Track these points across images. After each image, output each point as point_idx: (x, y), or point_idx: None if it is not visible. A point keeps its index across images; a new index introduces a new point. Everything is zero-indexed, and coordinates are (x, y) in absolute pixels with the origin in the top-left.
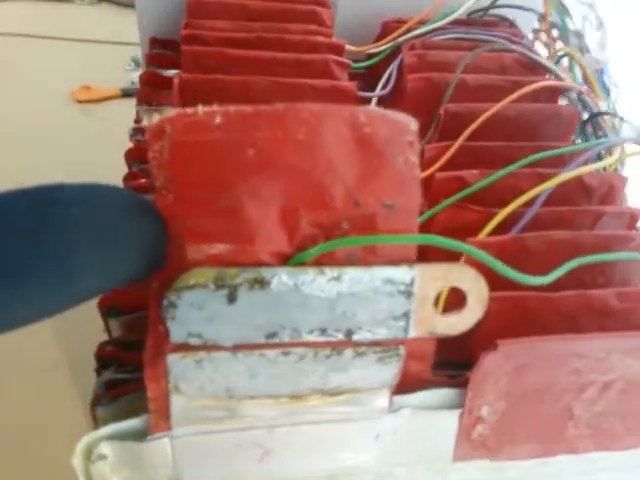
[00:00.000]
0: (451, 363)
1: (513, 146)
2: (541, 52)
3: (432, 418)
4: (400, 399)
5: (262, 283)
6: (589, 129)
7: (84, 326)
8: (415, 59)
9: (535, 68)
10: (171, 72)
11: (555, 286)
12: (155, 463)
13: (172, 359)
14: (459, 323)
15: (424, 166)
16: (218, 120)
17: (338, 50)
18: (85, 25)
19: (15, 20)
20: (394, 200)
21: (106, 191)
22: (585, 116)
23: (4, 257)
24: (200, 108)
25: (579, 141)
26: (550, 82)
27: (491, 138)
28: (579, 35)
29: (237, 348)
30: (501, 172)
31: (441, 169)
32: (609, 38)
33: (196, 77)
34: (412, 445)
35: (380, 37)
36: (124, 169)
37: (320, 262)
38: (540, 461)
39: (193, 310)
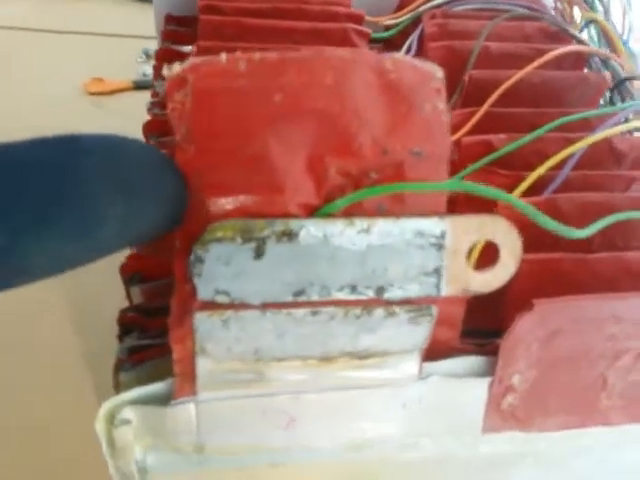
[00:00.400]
0: (479, 332)
1: (539, 112)
2: (564, 21)
3: (461, 387)
4: (428, 366)
5: (290, 235)
6: (617, 96)
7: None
8: (436, 28)
9: (559, 36)
10: (187, 48)
11: (588, 250)
12: (178, 429)
13: (199, 318)
14: (493, 279)
15: (450, 132)
16: (242, 67)
17: (358, 20)
18: (95, 18)
19: (26, 14)
20: (422, 147)
21: (125, 142)
22: (612, 83)
23: (25, 206)
24: (223, 55)
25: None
26: (575, 47)
27: (516, 105)
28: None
29: (265, 307)
30: (528, 137)
31: (468, 134)
32: (633, 4)
33: (214, 45)
34: (440, 415)
35: (400, 7)
36: None
37: (349, 213)
38: (571, 432)
39: (220, 265)
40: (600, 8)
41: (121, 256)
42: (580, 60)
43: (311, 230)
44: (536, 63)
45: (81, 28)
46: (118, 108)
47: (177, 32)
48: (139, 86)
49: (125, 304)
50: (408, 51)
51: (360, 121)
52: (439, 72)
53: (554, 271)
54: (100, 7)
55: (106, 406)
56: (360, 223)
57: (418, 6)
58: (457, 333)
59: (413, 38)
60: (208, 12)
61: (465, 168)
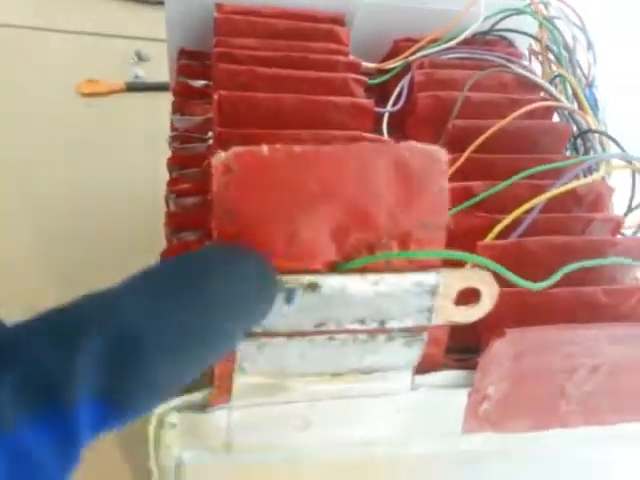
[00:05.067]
0: (459, 348)
1: (513, 158)
2: (537, 69)
3: (445, 395)
4: (419, 379)
5: (314, 287)
6: (579, 142)
7: None
8: (424, 77)
9: (531, 86)
10: (199, 82)
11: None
12: (212, 431)
13: (240, 344)
14: (473, 314)
15: None
16: (282, 158)
17: (355, 68)
18: (85, 18)
19: (19, 11)
20: (429, 220)
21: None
22: (576, 133)
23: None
24: (264, 148)
25: (570, 153)
26: (546, 102)
27: (494, 150)
28: (570, 51)
29: (291, 335)
30: (502, 184)
31: (451, 179)
32: (597, 57)
33: (232, 94)
34: (427, 419)
35: (391, 54)
36: (130, 162)
37: (363, 268)
38: (537, 433)
39: None
40: (566, 59)
41: None
42: (550, 110)
43: (332, 283)
44: (512, 115)
45: (70, 27)
46: (111, 110)
47: (190, 66)
48: (131, 88)
49: None
50: (398, 97)
51: (379, 201)
52: (443, 154)
53: (523, 302)
54: (92, 6)
55: (157, 412)
56: (372, 278)
57: (408, 55)
58: (442, 350)
59: (404, 84)
60: (223, 60)
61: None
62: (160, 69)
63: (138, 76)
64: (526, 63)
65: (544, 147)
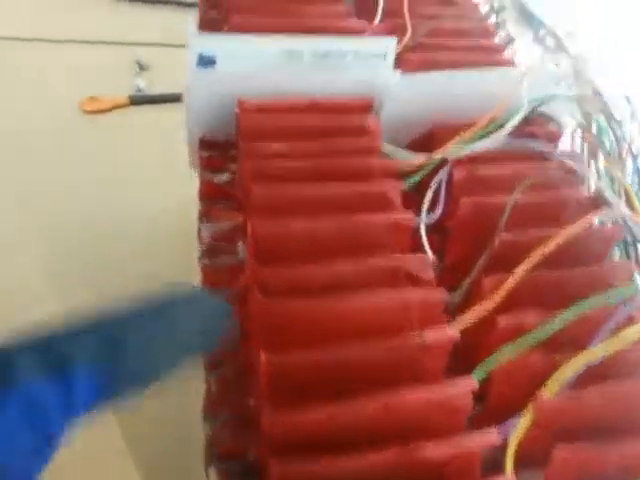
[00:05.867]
0: None
1: (565, 277)
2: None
3: None
4: None
5: None
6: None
7: None
8: (464, 175)
9: (579, 179)
10: (222, 177)
11: None
12: None
13: None
14: None
15: (484, 298)
16: None
17: (391, 171)
18: (79, 24)
19: (12, 22)
20: None
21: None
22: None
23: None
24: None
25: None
26: (599, 212)
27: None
28: (617, 139)
29: None
30: (559, 319)
31: (499, 306)
32: None
33: (266, 229)
34: None
35: (428, 142)
36: (134, 180)
37: None
38: None
39: None
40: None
41: None
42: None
43: None
44: (567, 232)
45: (66, 36)
46: (115, 126)
47: (213, 159)
48: (135, 102)
49: None
50: (436, 195)
51: None
52: None
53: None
54: (82, 10)
55: None
56: None
57: (449, 148)
58: None
59: (441, 180)
60: (255, 177)
61: (498, 347)
62: (161, 77)
63: (140, 89)
64: (574, 153)
65: (588, 253)
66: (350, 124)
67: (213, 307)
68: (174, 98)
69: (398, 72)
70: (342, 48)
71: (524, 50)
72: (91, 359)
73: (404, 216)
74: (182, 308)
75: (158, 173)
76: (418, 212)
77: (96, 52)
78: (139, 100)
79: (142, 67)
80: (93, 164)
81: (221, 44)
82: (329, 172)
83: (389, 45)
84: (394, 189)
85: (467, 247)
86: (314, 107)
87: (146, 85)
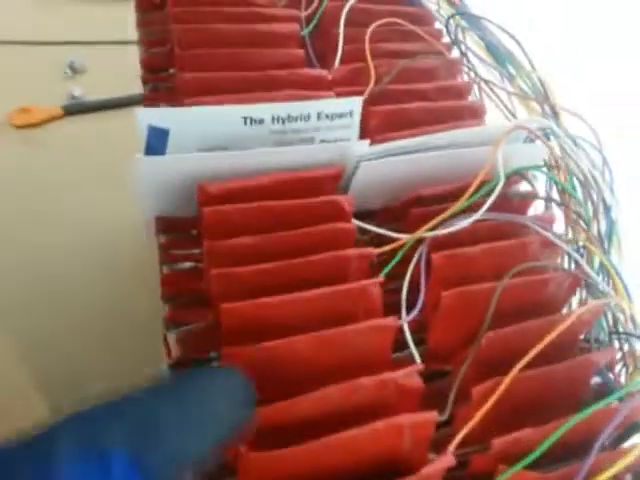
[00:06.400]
0: None
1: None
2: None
3: None
4: None
5: None
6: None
7: None
8: (443, 262)
9: (558, 252)
10: (187, 265)
11: None
12: None
13: None
14: None
15: (473, 408)
16: None
17: (367, 259)
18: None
19: None
20: None
21: None
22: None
23: None
24: None
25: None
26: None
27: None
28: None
29: None
30: (554, 435)
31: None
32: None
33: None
34: None
35: (398, 215)
36: (71, 201)
37: None
38: None
39: None
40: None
41: None
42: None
43: None
44: (557, 330)
45: None
46: (49, 141)
47: (174, 243)
48: (70, 111)
49: None
50: (413, 282)
51: None
52: None
53: None
54: (11, 7)
55: None
56: None
57: (426, 229)
58: None
59: (420, 259)
60: (220, 285)
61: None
62: (97, 80)
63: (75, 96)
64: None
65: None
66: (322, 207)
67: (242, 386)
68: (115, 104)
69: (366, 143)
70: (303, 112)
71: (491, 85)
72: (126, 441)
73: (387, 320)
74: (213, 388)
75: (98, 191)
76: (394, 298)
77: (22, 55)
78: (74, 110)
79: (75, 70)
80: (27, 184)
81: (174, 117)
82: (304, 271)
83: (354, 105)
84: (373, 286)
85: (449, 334)
86: (281, 186)
87: (81, 92)
